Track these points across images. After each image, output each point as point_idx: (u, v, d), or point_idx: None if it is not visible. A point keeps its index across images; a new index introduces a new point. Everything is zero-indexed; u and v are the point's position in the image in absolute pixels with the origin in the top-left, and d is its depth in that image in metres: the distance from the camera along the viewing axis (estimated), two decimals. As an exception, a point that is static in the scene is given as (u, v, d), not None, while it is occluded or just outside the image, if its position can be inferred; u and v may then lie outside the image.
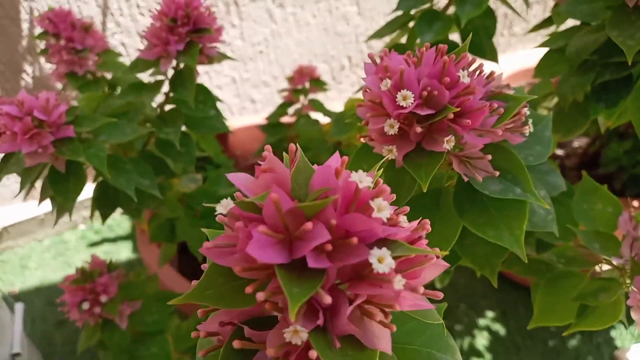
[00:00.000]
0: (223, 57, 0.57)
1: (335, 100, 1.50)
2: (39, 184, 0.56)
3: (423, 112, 0.30)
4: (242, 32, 1.25)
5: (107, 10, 1.10)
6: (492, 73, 0.35)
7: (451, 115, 0.31)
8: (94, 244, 1.34)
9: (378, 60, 0.34)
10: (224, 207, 0.21)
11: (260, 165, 0.22)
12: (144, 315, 0.65)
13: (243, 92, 1.38)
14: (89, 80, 0.82)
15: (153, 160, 0.58)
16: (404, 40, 0.66)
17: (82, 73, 0.80)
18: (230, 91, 1.36)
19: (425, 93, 0.30)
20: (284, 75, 1.38)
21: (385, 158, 0.37)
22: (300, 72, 0.84)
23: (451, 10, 0.62)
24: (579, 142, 1.20)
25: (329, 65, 1.42)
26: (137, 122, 0.54)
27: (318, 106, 0.84)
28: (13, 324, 1.08)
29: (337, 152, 0.26)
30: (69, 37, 0.78)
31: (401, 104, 0.30)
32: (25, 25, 1.04)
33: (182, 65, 0.55)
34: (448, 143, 0.31)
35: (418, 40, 0.62)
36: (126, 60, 1.18)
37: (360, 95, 0.78)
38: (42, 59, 1.09)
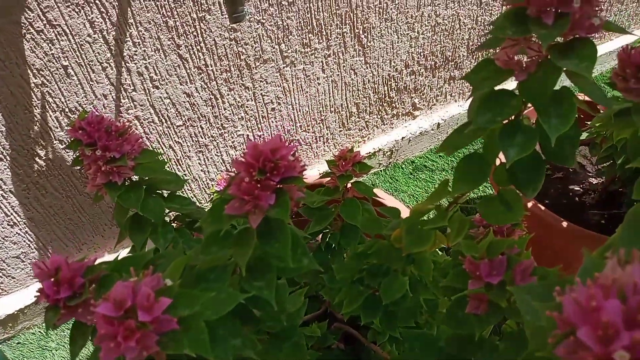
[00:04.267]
0: (310, 198, 0.51)
1: (344, 144, 1.44)
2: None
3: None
4: (254, 92, 1.17)
5: (120, 87, 1.01)
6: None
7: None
8: (115, 314, 1.25)
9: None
10: None
11: None
12: None
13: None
14: (128, 187, 0.74)
15: (236, 311, 0.52)
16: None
17: (122, 182, 0.72)
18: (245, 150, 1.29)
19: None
20: (296, 129, 1.32)
21: None
22: (343, 158, 0.77)
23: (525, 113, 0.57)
24: (597, 180, 1.18)
25: (337, 114, 1.36)
26: (226, 282, 0.47)
27: (363, 190, 0.78)
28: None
29: None
30: (105, 146, 0.70)
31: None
32: (37, 111, 0.94)
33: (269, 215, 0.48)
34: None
35: (501, 156, 0.57)
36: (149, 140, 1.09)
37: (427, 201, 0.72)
38: (55, 143, 1.00)
